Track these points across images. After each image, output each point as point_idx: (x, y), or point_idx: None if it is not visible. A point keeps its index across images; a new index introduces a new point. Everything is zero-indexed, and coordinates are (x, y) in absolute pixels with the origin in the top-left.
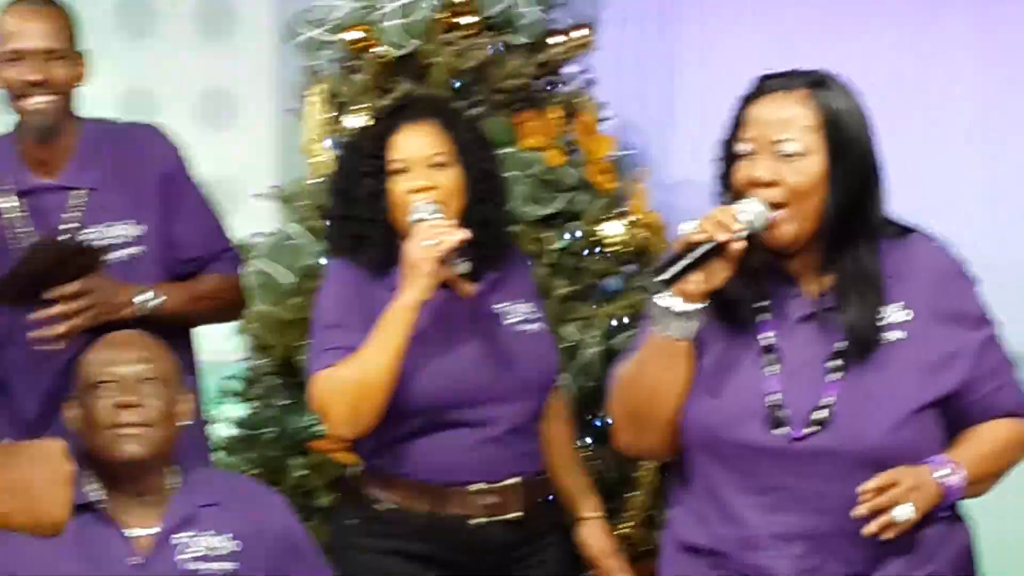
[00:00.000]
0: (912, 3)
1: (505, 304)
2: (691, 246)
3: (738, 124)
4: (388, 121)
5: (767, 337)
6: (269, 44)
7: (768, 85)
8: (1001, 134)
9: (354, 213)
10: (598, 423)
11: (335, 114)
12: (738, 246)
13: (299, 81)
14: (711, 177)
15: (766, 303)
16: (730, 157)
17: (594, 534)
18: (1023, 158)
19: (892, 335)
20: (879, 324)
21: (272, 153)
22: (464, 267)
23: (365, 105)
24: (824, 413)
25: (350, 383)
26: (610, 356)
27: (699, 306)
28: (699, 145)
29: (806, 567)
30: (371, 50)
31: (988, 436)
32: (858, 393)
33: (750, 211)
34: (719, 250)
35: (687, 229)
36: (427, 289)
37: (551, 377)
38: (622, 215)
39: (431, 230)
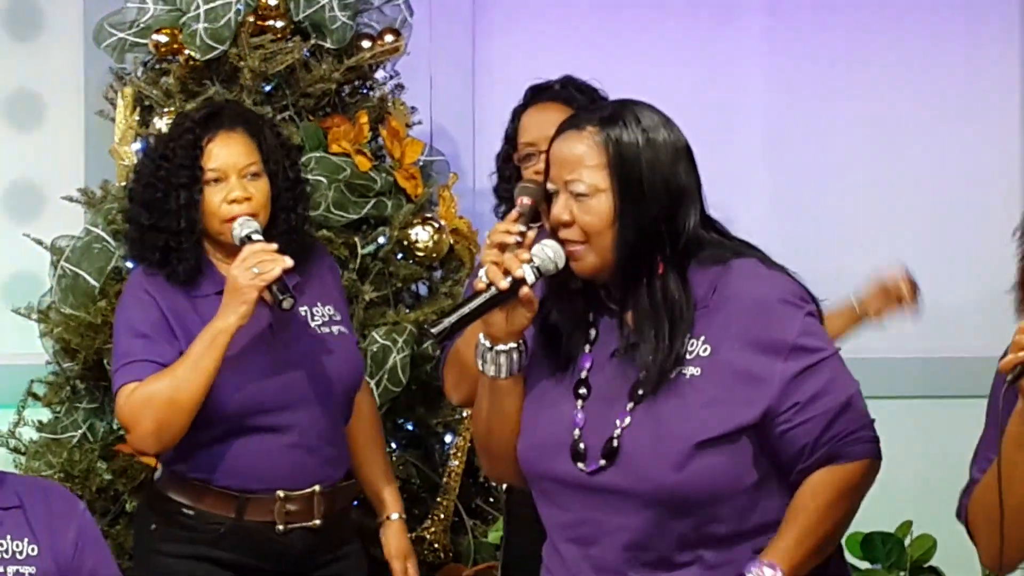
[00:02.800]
0: (704, 12)
1: (306, 307)
2: (474, 294)
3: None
4: (201, 129)
5: (583, 370)
6: (77, 46)
7: (566, 122)
8: (788, 142)
9: (164, 223)
10: (408, 427)
11: (143, 117)
12: (526, 291)
13: (107, 84)
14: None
15: (593, 334)
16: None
17: (391, 536)
18: (810, 166)
19: (688, 370)
20: (676, 358)
21: (79, 155)
22: (288, 303)
23: (173, 108)
24: (611, 446)
25: (160, 400)
26: (417, 362)
27: (509, 347)
28: None
29: None
30: (179, 53)
31: (804, 510)
32: (645, 429)
33: (541, 255)
34: (505, 296)
35: (481, 274)
36: (247, 315)
37: (355, 380)
38: (430, 220)
39: (255, 257)
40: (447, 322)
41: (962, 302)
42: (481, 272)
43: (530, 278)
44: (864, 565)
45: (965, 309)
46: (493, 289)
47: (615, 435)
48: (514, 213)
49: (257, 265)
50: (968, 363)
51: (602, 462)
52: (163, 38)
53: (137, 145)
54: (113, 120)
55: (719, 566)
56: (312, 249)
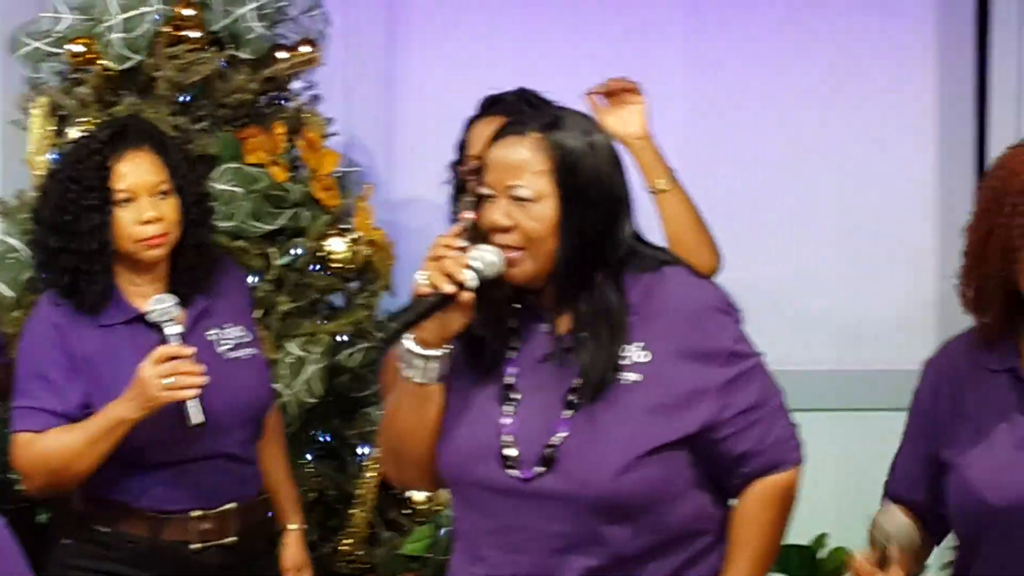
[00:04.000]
0: (623, 27)
1: (215, 331)
2: (418, 299)
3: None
4: (108, 149)
5: (509, 376)
6: None
7: (505, 127)
8: (707, 158)
9: (76, 246)
10: (322, 439)
11: (58, 127)
12: (467, 296)
13: (22, 93)
14: (441, 196)
15: (515, 342)
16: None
17: (289, 546)
18: (728, 181)
19: (628, 376)
20: (614, 365)
21: None
22: (198, 423)
23: (88, 119)
24: (549, 453)
25: (54, 464)
26: (333, 372)
27: (439, 352)
28: (423, 163)
29: None
30: (95, 63)
31: (756, 528)
32: (585, 435)
33: (481, 259)
34: (448, 301)
35: (419, 279)
36: (150, 412)
37: (265, 403)
38: (346, 232)
39: (173, 367)
40: (393, 327)
41: (878, 316)
42: (420, 277)
43: (471, 283)
44: None
45: (881, 323)
46: (436, 294)
47: (553, 442)
48: (456, 227)
49: (173, 376)
50: (884, 376)
51: (539, 469)
52: (79, 48)
53: (52, 155)
54: (27, 130)
55: (639, 570)
56: (220, 265)
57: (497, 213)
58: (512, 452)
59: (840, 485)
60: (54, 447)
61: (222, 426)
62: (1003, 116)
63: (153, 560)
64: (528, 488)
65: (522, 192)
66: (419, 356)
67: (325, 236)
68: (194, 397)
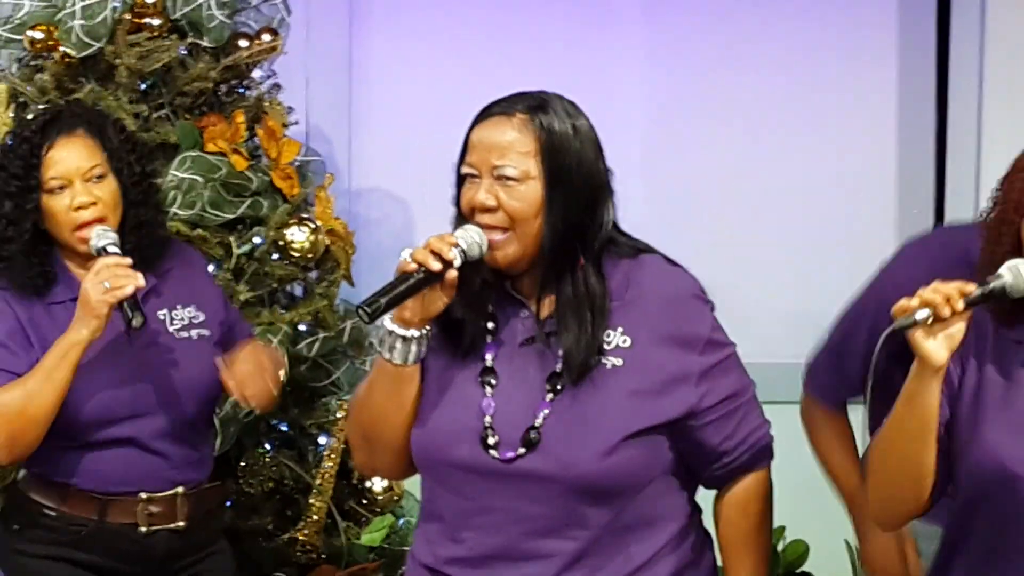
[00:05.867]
0: (585, 11)
1: (165, 310)
2: (404, 275)
3: (465, 147)
4: (37, 138)
5: (488, 359)
6: None
7: (490, 109)
8: (665, 150)
9: (8, 234)
10: (282, 428)
11: (17, 114)
12: (452, 275)
13: None
14: (401, 187)
15: (492, 325)
16: (459, 179)
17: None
18: (690, 165)
19: (610, 361)
20: (596, 349)
21: None
22: (138, 321)
23: (48, 106)
24: (532, 436)
25: (12, 412)
26: (292, 362)
27: (419, 332)
28: (384, 153)
29: None
30: (55, 50)
31: (750, 534)
32: (569, 418)
33: (467, 239)
34: (433, 278)
35: (405, 256)
36: (99, 330)
37: (209, 385)
38: (306, 221)
39: (108, 271)
40: (381, 303)
41: (837, 310)
42: (405, 254)
43: (457, 261)
44: None
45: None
46: (422, 271)
47: (536, 424)
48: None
49: (109, 279)
50: None
51: (521, 450)
52: (38, 35)
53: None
54: None
55: (615, 553)
56: (170, 247)
57: (481, 193)
58: (491, 434)
59: (797, 477)
60: (9, 396)
61: (169, 404)
62: (963, 114)
63: (99, 542)
64: (509, 469)
65: (508, 172)
66: (399, 337)
67: (285, 225)
68: (132, 296)
